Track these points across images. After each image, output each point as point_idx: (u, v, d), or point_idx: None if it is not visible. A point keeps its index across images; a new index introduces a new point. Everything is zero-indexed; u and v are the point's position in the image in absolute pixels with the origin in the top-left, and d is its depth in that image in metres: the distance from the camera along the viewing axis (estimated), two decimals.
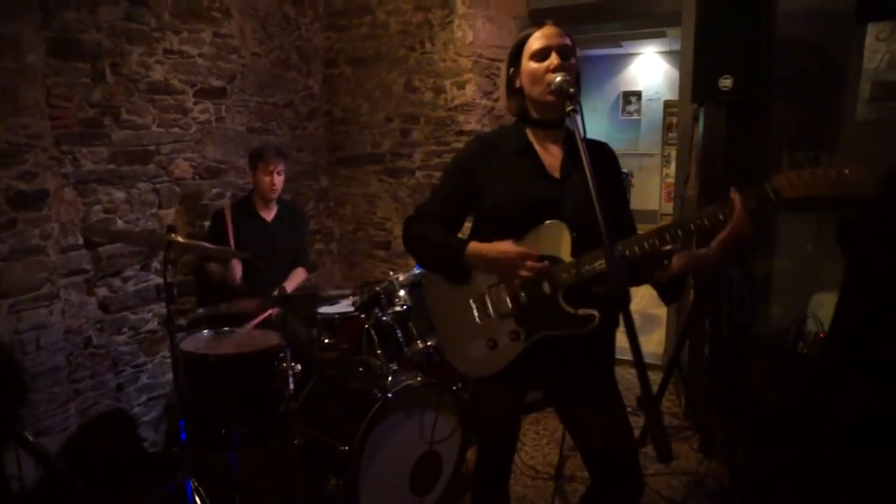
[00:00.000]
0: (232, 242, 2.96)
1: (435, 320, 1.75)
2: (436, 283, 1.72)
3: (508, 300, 1.58)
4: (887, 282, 2.00)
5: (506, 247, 1.50)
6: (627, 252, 1.46)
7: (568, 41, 1.56)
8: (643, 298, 5.83)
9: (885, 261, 1.99)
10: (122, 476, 2.82)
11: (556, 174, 1.60)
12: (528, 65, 1.57)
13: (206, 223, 3.29)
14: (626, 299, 1.23)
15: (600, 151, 1.64)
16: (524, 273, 1.48)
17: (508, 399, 1.70)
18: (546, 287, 1.53)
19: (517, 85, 1.62)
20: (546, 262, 1.50)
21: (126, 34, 2.81)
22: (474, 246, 1.53)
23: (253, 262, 2.97)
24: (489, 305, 1.61)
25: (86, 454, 2.66)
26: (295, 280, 3.29)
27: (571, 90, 1.44)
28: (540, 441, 3.11)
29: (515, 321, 1.58)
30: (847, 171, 1.31)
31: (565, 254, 1.53)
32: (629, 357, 1.22)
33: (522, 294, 1.57)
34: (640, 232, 1.53)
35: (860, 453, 2.19)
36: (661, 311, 4.31)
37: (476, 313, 1.63)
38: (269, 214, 3.19)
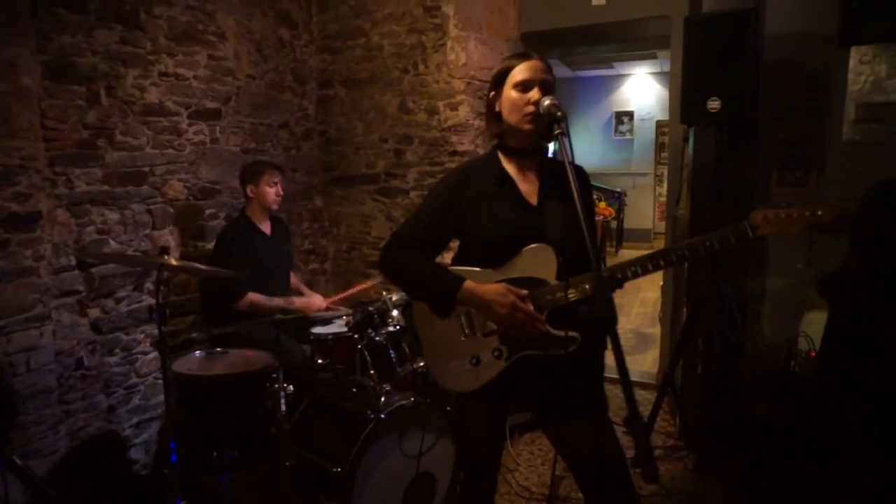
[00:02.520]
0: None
1: (421, 334, 1.77)
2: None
3: None
4: (874, 296, 2.03)
5: (500, 290, 1.52)
6: (629, 274, 1.49)
7: (550, 78, 1.61)
8: (637, 317, 5.85)
9: (871, 276, 2.02)
10: (113, 499, 2.79)
11: (534, 201, 1.64)
12: (510, 93, 1.61)
13: (201, 244, 3.30)
14: (613, 320, 1.25)
15: (578, 175, 1.68)
16: (517, 321, 1.50)
17: (490, 416, 1.72)
18: (530, 307, 1.54)
19: (496, 109, 1.66)
20: (538, 319, 1.52)
21: (121, 57, 2.84)
22: (469, 286, 1.54)
23: (260, 273, 3.01)
24: (474, 323, 1.64)
25: (76, 477, 2.63)
26: (302, 287, 3.48)
27: (559, 114, 1.47)
28: (534, 462, 3.09)
29: (499, 339, 1.61)
30: (820, 213, 1.41)
31: (551, 276, 1.56)
32: (616, 375, 1.23)
33: None
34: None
35: (855, 470, 2.19)
36: (655, 329, 4.32)
37: (461, 330, 1.66)
38: (268, 228, 3.21)
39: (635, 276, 1.49)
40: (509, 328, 1.55)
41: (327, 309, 3.17)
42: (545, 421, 1.76)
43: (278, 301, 3.00)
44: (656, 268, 1.49)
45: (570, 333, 1.52)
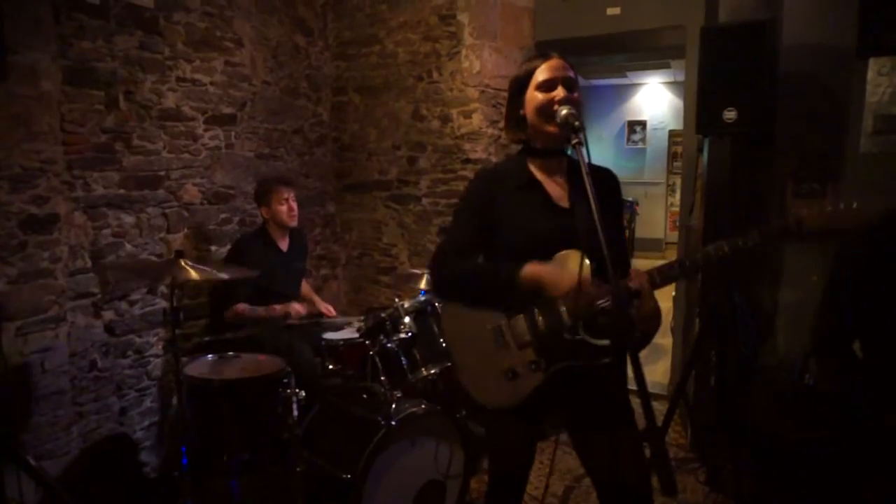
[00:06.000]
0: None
1: (454, 353, 1.75)
2: (454, 315, 1.72)
3: (527, 330, 1.57)
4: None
5: (559, 272, 1.50)
6: (659, 279, 1.46)
7: (572, 74, 1.59)
8: None
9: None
10: (123, 501, 2.80)
11: (565, 204, 1.61)
12: (534, 95, 1.58)
13: (214, 247, 3.32)
14: (632, 330, 1.23)
15: (604, 177, 1.65)
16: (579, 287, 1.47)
17: (526, 430, 1.70)
18: (566, 317, 1.52)
19: (521, 114, 1.63)
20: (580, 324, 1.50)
21: (140, 62, 2.87)
22: (531, 266, 1.52)
23: (268, 288, 3.00)
24: (508, 336, 1.60)
25: (87, 478, 2.64)
26: (314, 296, 3.48)
27: (577, 123, 1.46)
28: (543, 471, 3.06)
29: (535, 352, 1.57)
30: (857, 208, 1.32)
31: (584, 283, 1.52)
32: (634, 387, 1.22)
33: (541, 319, 1.56)
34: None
35: (870, 487, 2.15)
36: (667, 340, 4.28)
37: (495, 343, 1.62)
38: (285, 244, 3.21)
39: (670, 279, 1.46)
40: (575, 296, 1.50)
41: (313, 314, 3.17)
42: (573, 431, 1.73)
43: (261, 310, 2.99)
44: (694, 267, 1.45)
45: (608, 342, 1.49)
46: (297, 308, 3.02)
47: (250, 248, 3.06)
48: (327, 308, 3.39)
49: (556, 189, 1.63)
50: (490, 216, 1.61)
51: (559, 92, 1.55)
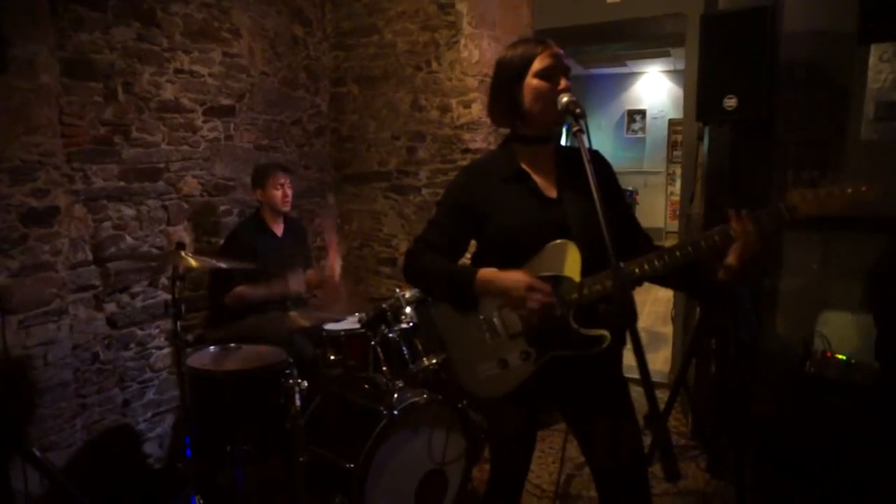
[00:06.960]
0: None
1: (446, 342, 1.74)
2: (445, 306, 1.72)
3: (519, 320, 1.57)
4: None
5: (516, 276, 1.49)
6: (638, 270, 1.45)
7: (568, 63, 1.59)
8: (649, 316, 5.82)
9: None
10: (127, 492, 2.82)
11: (553, 194, 1.61)
12: (533, 82, 1.55)
13: (214, 239, 3.32)
14: (633, 317, 1.24)
15: (596, 162, 1.58)
16: (533, 305, 1.46)
17: (523, 419, 1.70)
18: (557, 307, 1.52)
19: (518, 101, 1.58)
20: (554, 297, 1.48)
21: (138, 54, 2.86)
22: (484, 273, 1.53)
23: (262, 271, 2.98)
24: (499, 325, 1.60)
25: (91, 470, 2.66)
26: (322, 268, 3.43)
27: (578, 111, 1.45)
28: (545, 459, 3.08)
29: (526, 341, 1.57)
30: (864, 189, 1.29)
31: (575, 273, 1.51)
32: (636, 375, 1.23)
33: None
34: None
35: (871, 474, 2.17)
36: (668, 329, 4.30)
37: (486, 334, 1.62)
38: (279, 229, 3.21)
39: (665, 268, 1.43)
40: (527, 311, 1.49)
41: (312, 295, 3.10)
42: (572, 420, 1.74)
43: (261, 288, 2.96)
44: (686, 258, 1.42)
45: (600, 332, 1.49)
46: (296, 281, 2.99)
47: (244, 232, 3.08)
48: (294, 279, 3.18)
49: (543, 179, 1.62)
50: (473, 211, 1.60)
51: (564, 81, 1.54)
